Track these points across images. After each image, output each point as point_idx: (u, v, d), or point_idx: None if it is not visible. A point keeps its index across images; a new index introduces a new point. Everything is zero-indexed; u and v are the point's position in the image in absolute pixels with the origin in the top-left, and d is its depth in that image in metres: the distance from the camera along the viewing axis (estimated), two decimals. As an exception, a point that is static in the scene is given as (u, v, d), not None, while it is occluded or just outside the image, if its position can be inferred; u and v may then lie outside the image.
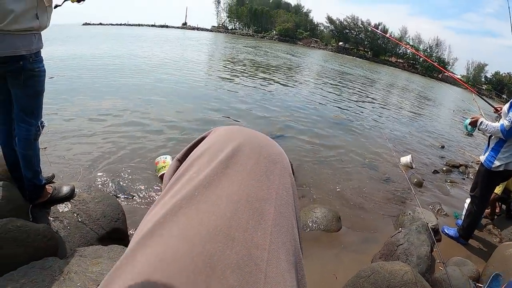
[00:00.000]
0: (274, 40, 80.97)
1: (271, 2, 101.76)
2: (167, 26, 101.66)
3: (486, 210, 3.74)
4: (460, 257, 2.91)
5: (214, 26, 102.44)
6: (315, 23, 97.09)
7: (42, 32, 2.12)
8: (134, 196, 3.08)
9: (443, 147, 7.32)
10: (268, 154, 0.44)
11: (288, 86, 10.98)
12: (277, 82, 11.35)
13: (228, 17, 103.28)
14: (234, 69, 13.34)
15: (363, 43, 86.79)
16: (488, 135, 3.00)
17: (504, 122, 2.70)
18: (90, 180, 3.21)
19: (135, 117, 5.38)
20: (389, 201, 3.89)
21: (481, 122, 2.92)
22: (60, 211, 2.23)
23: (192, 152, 0.47)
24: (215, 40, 41.35)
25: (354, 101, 10.60)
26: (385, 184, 4.35)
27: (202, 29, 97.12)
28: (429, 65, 74.38)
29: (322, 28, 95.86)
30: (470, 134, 2.80)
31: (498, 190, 3.61)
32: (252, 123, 5.89)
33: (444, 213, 3.91)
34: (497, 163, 2.84)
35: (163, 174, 2.86)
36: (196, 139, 0.50)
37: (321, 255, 2.65)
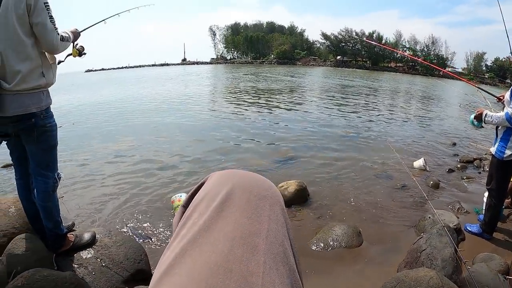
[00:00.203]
0: (273, 64, 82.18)
1: (265, 28, 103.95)
2: (167, 64, 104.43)
3: (506, 200, 3.67)
4: (486, 252, 2.85)
5: (213, 58, 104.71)
6: (311, 41, 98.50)
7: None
8: (154, 236, 3.13)
9: (454, 144, 7.24)
10: (258, 192, 0.51)
11: (292, 108, 11.12)
12: (281, 106, 11.52)
13: (225, 48, 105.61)
14: (237, 99, 13.60)
15: (361, 54, 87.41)
16: (495, 126, 2.96)
17: (508, 110, 2.68)
18: (109, 224, 3.29)
19: (146, 157, 5.53)
20: (407, 208, 3.85)
21: (486, 115, 2.90)
22: (84, 257, 2.29)
23: (194, 198, 0.55)
24: (216, 72, 42.30)
25: (360, 113, 10.63)
26: (401, 191, 4.31)
27: (202, 63, 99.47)
28: (427, 66, 74.41)
29: (318, 45, 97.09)
30: (481, 126, 2.81)
31: None
32: (261, 150, 5.97)
33: (465, 211, 3.85)
34: (508, 152, 2.81)
35: None
36: (197, 185, 0.57)
37: (345, 272, 2.63)
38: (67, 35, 2.21)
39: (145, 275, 2.41)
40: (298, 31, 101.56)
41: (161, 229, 3.23)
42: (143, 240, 3.02)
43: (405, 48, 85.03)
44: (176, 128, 7.83)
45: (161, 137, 6.95)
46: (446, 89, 25.86)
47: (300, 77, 29.82)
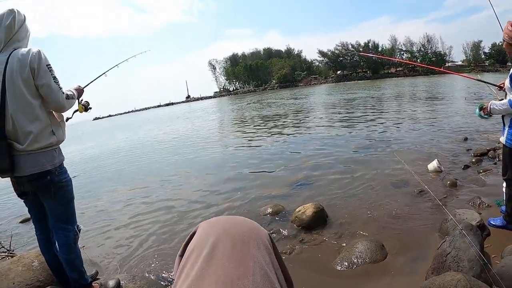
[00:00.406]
0: (276, 88, 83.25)
1: (262, 54, 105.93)
2: (172, 103, 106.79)
3: None
4: (514, 243, 2.79)
5: (217, 92, 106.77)
6: (309, 60, 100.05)
7: None
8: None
9: (466, 139, 7.17)
10: (242, 237, 0.61)
11: (299, 130, 11.23)
12: (288, 129, 11.65)
13: (226, 80, 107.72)
14: (244, 128, 13.84)
15: (360, 65, 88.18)
16: (501, 115, 2.93)
17: (510, 97, 2.69)
18: (132, 269, 3.35)
19: (162, 199, 5.65)
20: (427, 212, 3.81)
21: (491, 104, 2.89)
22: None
23: (187, 249, 0.65)
24: (220, 105, 43.15)
25: (367, 125, 10.62)
26: (418, 197, 4.27)
27: (206, 98, 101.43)
28: (427, 63, 74.36)
29: (317, 63, 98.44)
30: (490, 115, 2.79)
31: None
32: (274, 176, 6.03)
33: (486, 205, 3.78)
34: None
35: None
36: (189, 235, 0.67)
37: (374, 288, 2.61)
38: (72, 93, 2.34)
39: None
40: (295, 52, 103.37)
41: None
42: (167, 283, 3.05)
43: (402, 52, 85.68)
44: (188, 165, 8.03)
45: (174, 176, 7.15)
46: (448, 85, 25.73)
47: (304, 98, 30.15)
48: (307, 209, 3.91)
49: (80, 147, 16.97)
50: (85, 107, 2.72)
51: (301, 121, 13.59)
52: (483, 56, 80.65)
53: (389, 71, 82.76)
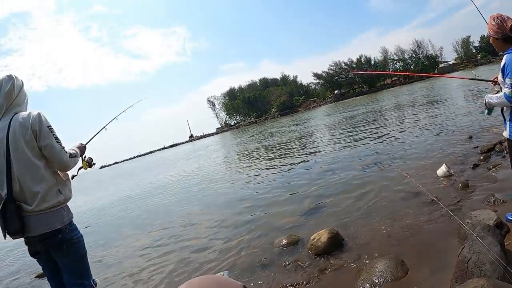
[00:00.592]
0: (276, 117, 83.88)
1: (259, 85, 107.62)
2: (176, 144, 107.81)
3: None
4: (535, 236, 2.70)
5: (219, 127, 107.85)
6: (306, 84, 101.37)
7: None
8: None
9: (471, 137, 7.11)
10: None
11: (304, 155, 11.22)
12: (293, 156, 11.65)
13: (227, 115, 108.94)
14: (250, 161, 13.88)
15: (356, 81, 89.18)
16: (500, 108, 2.92)
17: (505, 90, 2.67)
18: None
19: (175, 242, 5.64)
20: (442, 220, 3.71)
21: (486, 98, 2.89)
22: None
23: None
24: (223, 140, 43.53)
25: (370, 140, 10.56)
26: (432, 205, 4.16)
27: (209, 135, 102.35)
28: (421, 68, 75.15)
29: (314, 86, 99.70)
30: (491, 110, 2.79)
31: None
32: (285, 206, 5.95)
33: (501, 201, 3.70)
34: None
35: None
36: None
37: (400, 307, 2.51)
38: (75, 152, 2.40)
39: None
40: (291, 79, 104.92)
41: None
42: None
43: (395, 61, 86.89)
44: (198, 204, 8.06)
45: (185, 216, 7.18)
46: (446, 86, 25.82)
47: (304, 123, 30.32)
48: (321, 236, 3.84)
49: (90, 197, 17.21)
50: (89, 164, 2.79)
51: (305, 147, 13.60)
52: (474, 51, 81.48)
53: (385, 83, 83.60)
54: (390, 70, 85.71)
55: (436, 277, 2.72)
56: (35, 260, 2.39)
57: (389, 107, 22.39)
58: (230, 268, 3.96)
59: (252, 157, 15.04)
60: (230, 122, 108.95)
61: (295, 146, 14.65)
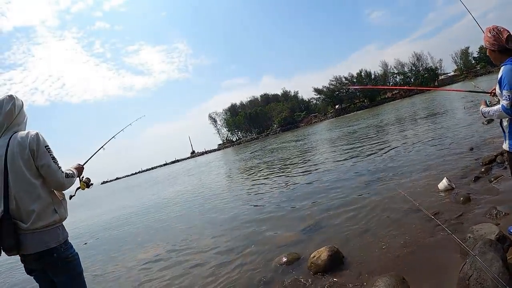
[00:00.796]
0: (278, 132, 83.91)
1: (260, 101, 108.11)
2: (177, 160, 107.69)
3: None
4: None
5: (220, 144, 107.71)
6: (307, 100, 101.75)
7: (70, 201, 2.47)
8: None
9: (472, 149, 7.07)
10: None
11: (304, 171, 11.14)
12: (294, 172, 11.58)
13: (228, 131, 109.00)
14: (250, 177, 13.83)
15: (357, 95, 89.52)
16: (499, 121, 2.90)
17: (502, 102, 2.65)
18: None
19: (175, 257, 5.63)
20: (443, 235, 3.62)
21: (483, 112, 2.87)
22: None
23: None
24: (225, 157, 43.55)
25: (372, 155, 10.48)
26: (432, 221, 4.07)
27: (211, 151, 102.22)
28: (421, 81, 75.55)
29: (315, 101, 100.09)
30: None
31: None
32: (285, 223, 5.88)
33: (503, 213, 3.64)
34: None
35: None
36: None
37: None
38: (71, 172, 2.42)
39: None
40: (292, 94, 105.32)
41: None
42: None
43: (395, 75, 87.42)
44: (198, 221, 8.00)
45: (185, 233, 7.14)
46: (446, 98, 25.88)
47: (306, 139, 30.31)
48: (321, 254, 3.78)
49: (90, 212, 17.24)
50: (87, 184, 2.81)
51: (305, 162, 13.53)
52: (473, 62, 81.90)
53: (386, 96, 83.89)
54: (390, 84, 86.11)
55: (438, 295, 2.64)
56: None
57: (390, 121, 22.39)
58: (228, 286, 3.88)
59: (253, 173, 14.98)
60: (231, 138, 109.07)
61: (295, 162, 14.59)
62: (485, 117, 2.94)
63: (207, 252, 5.42)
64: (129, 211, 13.92)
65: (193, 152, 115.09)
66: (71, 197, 2.85)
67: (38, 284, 2.40)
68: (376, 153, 10.50)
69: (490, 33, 2.70)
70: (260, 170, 15.36)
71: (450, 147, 8.08)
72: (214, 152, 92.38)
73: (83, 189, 2.81)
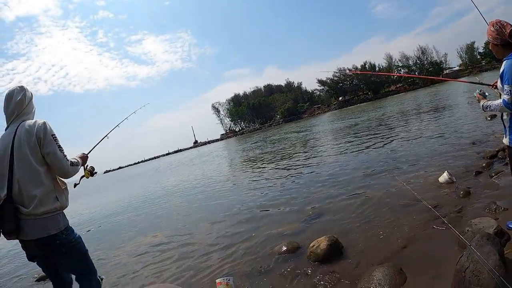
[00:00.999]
0: (281, 123, 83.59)
1: (264, 91, 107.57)
2: (180, 150, 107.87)
3: None
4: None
5: (223, 134, 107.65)
6: (310, 91, 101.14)
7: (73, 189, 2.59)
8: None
9: (474, 143, 7.07)
10: None
11: (306, 162, 11.20)
12: (296, 162, 11.63)
13: (231, 121, 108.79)
14: (253, 168, 13.87)
15: (360, 87, 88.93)
16: (499, 114, 2.92)
17: (504, 97, 2.66)
18: None
19: (177, 245, 5.68)
20: (442, 228, 3.67)
21: (483, 105, 2.90)
22: None
23: None
24: (228, 147, 43.65)
25: (374, 147, 10.50)
26: (432, 213, 4.10)
27: (213, 141, 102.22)
28: (425, 75, 74.92)
29: (318, 92, 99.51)
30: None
31: None
32: (286, 213, 5.93)
33: (502, 209, 3.66)
34: None
35: None
36: None
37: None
38: (76, 161, 2.50)
39: None
40: (295, 85, 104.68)
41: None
42: None
43: (399, 68, 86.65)
44: (200, 210, 8.07)
45: (187, 222, 7.21)
46: (450, 92, 25.73)
47: (308, 130, 30.30)
48: (321, 243, 3.82)
49: (93, 201, 17.48)
50: (91, 172, 2.87)
51: (307, 153, 13.56)
52: (478, 57, 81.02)
53: (390, 89, 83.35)
54: (395, 77, 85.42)
55: (434, 285, 2.70)
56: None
57: (393, 114, 22.31)
58: (229, 273, 3.94)
59: (255, 163, 15.05)
60: (234, 128, 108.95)
61: (297, 153, 14.63)
62: (485, 111, 2.96)
63: (208, 240, 5.49)
64: (131, 200, 14.05)
65: (196, 142, 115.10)
66: (75, 185, 2.93)
67: (41, 268, 2.50)
68: (377, 145, 10.51)
69: (493, 27, 2.70)
70: (262, 160, 15.42)
71: (452, 141, 8.09)
72: (217, 142, 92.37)
73: (87, 177, 2.87)
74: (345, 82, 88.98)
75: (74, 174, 2.47)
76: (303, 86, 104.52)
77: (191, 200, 9.81)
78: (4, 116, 2.37)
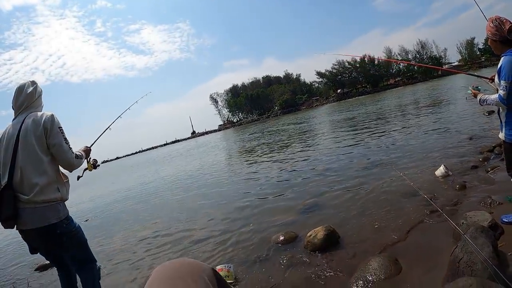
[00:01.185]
0: (279, 115, 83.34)
1: (262, 83, 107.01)
2: (178, 141, 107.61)
3: None
4: (528, 238, 2.73)
5: (221, 124, 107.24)
6: (309, 83, 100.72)
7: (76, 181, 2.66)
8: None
9: (471, 138, 7.13)
10: (179, 274, 0.70)
11: (304, 153, 11.25)
12: (294, 153, 11.68)
13: (229, 112, 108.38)
14: (250, 158, 13.97)
15: (359, 80, 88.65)
16: (495, 108, 2.96)
17: (500, 92, 2.70)
18: None
19: (173, 234, 5.74)
20: (438, 219, 3.74)
21: (480, 99, 2.94)
22: None
23: None
24: (226, 137, 43.62)
25: (372, 140, 10.55)
26: (428, 205, 4.17)
27: (211, 131, 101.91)
28: (425, 70, 74.80)
29: (317, 84, 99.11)
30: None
31: None
32: (283, 203, 5.98)
33: (497, 203, 3.72)
34: None
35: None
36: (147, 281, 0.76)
37: (392, 305, 2.55)
38: (80, 154, 2.55)
39: None
40: (294, 77, 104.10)
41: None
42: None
43: (398, 59, 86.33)
44: (197, 200, 8.11)
45: (185, 210, 7.30)
46: (448, 87, 25.77)
47: (306, 122, 30.31)
48: (318, 233, 3.88)
49: (90, 191, 17.56)
50: (94, 165, 2.93)
51: (305, 145, 13.61)
52: (478, 53, 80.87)
53: (388, 83, 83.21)
54: (394, 70, 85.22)
55: (429, 275, 2.75)
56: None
57: (391, 108, 22.34)
58: (227, 261, 4.00)
59: (253, 154, 15.10)
60: (232, 119, 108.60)
61: (295, 144, 14.67)
62: (482, 105, 3.00)
63: (205, 229, 5.54)
64: (128, 189, 14.12)
65: (193, 132, 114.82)
66: (78, 177, 2.97)
67: (44, 256, 2.57)
68: (375, 138, 10.56)
69: (492, 23, 2.72)
70: (260, 151, 15.47)
71: (449, 136, 8.15)
72: (215, 132, 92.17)
73: (90, 170, 2.93)
74: (344, 75, 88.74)
75: (78, 167, 2.52)
76: (301, 78, 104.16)
77: (188, 189, 9.86)
78: (12, 108, 2.42)
